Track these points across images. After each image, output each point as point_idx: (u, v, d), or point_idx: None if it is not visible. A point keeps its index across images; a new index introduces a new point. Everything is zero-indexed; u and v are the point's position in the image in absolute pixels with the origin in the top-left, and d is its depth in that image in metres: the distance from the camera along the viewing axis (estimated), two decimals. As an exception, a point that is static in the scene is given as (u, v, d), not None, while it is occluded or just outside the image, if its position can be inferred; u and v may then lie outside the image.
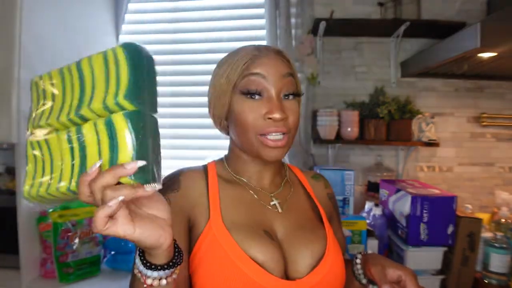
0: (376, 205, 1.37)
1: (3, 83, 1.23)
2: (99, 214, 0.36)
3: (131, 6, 1.85)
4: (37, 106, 0.48)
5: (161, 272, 0.43)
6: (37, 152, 0.47)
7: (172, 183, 0.67)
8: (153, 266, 0.43)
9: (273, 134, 0.63)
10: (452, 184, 1.78)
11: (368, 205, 1.41)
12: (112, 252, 1.39)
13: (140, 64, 0.40)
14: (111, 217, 0.37)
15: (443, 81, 1.76)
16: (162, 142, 0.42)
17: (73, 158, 0.42)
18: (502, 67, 1.43)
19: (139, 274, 0.44)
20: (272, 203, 0.70)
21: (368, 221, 1.32)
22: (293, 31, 1.70)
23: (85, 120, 0.42)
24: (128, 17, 1.87)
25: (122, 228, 0.37)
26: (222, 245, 0.59)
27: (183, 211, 0.64)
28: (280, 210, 0.69)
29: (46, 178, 0.45)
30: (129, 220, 0.38)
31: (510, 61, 1.31)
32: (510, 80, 1.71)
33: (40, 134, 0.47)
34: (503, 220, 1.33)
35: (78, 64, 0.43)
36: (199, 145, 1.89)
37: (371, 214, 1.36)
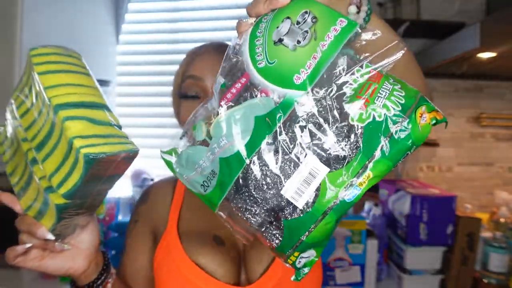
0: (376, 205, 1.37)
1: (3, 83, 1.23)
2: (8, 253, 0.44)
3: (131, 6, 1.85)
4: (23, 86, 0.44)
5: None
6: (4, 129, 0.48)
7: (142, 196, 0.71)
8: (76, 286, 0.52)
9: None
10: (452, 184, 1.78)
11: (367, 205, 1.41)
12: (113, 252, 1.39)
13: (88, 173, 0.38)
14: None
15: (443, 81, 1.76)
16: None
17: (22, 175, 0.46)
18: (502, 67, 1.43)
19: None
20: None
21: (367, 221, 1.33)
22: (293, 31, 1.70)
23: (37, 162, 0.42)
24: (128, 17, 1.88)
25: (30, 263, 0.44)
26: (172, 253, 0.61)
27: (149, 222, 0.67)
28: None
29: (8, 143, 0.48)
30: (37, 257, 0.45)
31: (510, 61, 1.31)
32: (509, 81, 1.72)
33: (9, 117, 0.46)
34: (502, 219, 1.34)
35: (54, 118, 0.39)
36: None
37: (371, 214, 1.36)
